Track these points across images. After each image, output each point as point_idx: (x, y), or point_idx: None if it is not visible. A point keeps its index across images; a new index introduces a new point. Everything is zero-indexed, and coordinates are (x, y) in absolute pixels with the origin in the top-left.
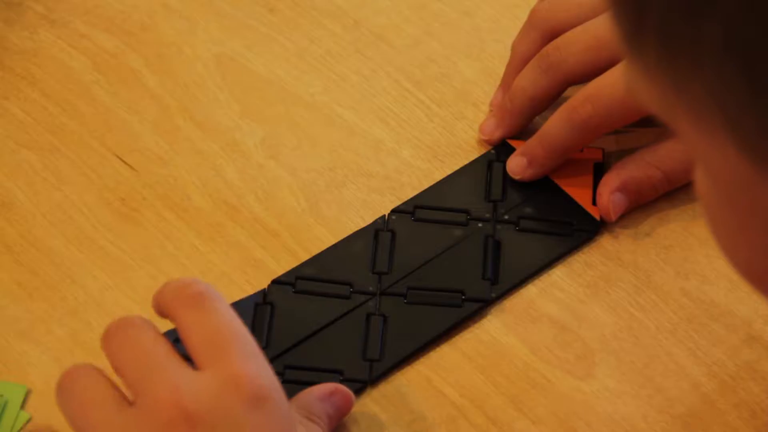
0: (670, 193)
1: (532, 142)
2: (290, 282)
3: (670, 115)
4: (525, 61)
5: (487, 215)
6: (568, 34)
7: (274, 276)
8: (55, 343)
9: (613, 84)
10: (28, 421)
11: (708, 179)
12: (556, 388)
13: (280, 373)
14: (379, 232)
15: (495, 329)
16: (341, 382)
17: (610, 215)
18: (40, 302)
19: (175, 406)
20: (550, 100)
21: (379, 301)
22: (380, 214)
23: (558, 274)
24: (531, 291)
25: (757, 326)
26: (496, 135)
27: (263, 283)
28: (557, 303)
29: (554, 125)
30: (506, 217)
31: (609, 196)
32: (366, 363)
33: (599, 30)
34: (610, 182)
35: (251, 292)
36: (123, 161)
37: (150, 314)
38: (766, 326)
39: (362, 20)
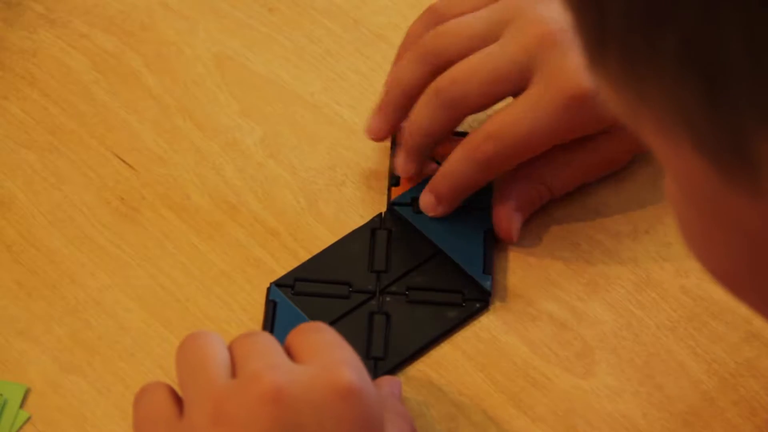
0: None
1: (437, 179)
2: (289, 284)
3: (635, 122)
4: (410, 94)
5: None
6: (463, 66)
7: (274, 275)
8: (54, 343)
9: (516, 121)
10: (28, 420)
11: (676, 186)
12: (556, 386)
13: None
14: (375, 230)
15: (495, 327)
16: None
17: (511, 238)
18: (40, 301)
19: (269, 382)
20: (449, 133)
21: (380, 299)
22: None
23: (557, 271)
24: (531, 289)
25: (757, 323)
26: (410, 170)
27: (263, 282)
28: (557, 301)
29: (456, 163)
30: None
31: (508, 219)
32: (370, 361)
33: (496, 62)
34: (507, 204)
35: (251, 291)
36: (122, 161)
37: (147, 315)
38: (766, 324)
39: (362, 20)
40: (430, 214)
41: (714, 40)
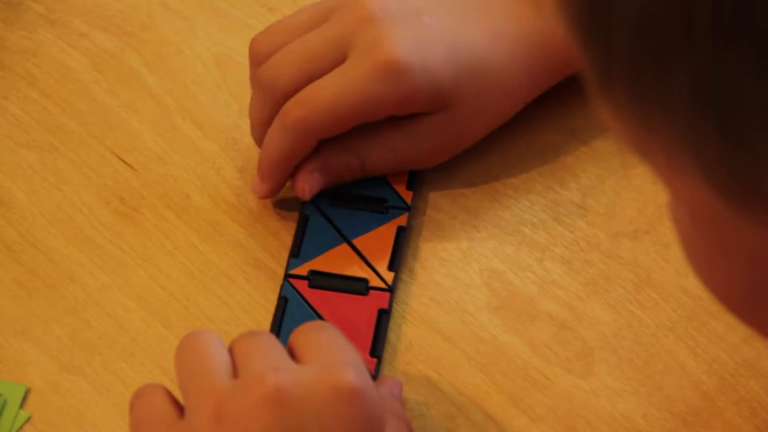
0: None
1: (260, 155)
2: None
3: (641, 152)
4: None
5: None
6: (280, 52)
7: (274, 275)
8: (54, 342)
9: (325, 86)
10: (28, 420)
11: (683, 211)
12: (556, 386)
13: None
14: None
15: (494, 327)
16: None
17: (304, 195)
18: (40, 301)
19: (272, 383)
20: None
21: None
22: None
23: (557, 272)
24: (530, 289)
25: None
26: (265, 189)
27: (263, 282)
28: (557, 301)
29: (270, 134)
30: None
31: (305, 176)
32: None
33: (311, 42)
34: (308, 163)
35: (251, 291)
36: (122, 160)
37: (147, 315)
38: None
39: None
40: (258, 195)
41: (725, 75)
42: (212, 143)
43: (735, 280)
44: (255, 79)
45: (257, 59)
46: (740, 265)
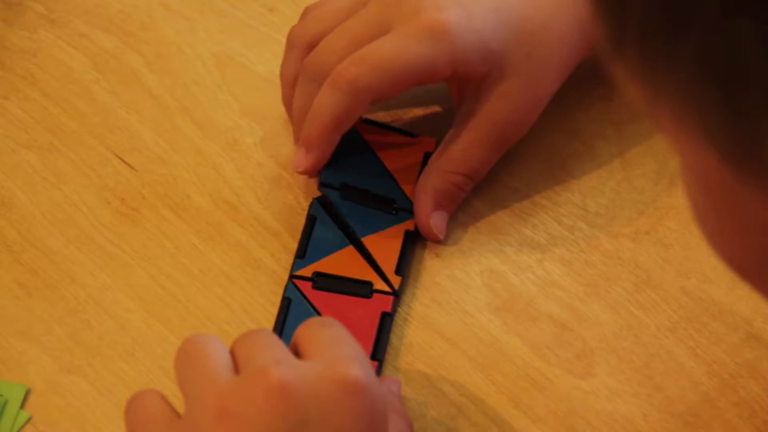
0: (670, 191)
1: (305, 125)
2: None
3: (652, 113)
4: (294, 84)
5: None
6: (327, 37)
7: (274, 275)
8: (54, 343)
9: (378, 46)
10: (28, 420)
11: (692, 176)
12: (556, 386)
13: None
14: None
15: (495, 328)
16: None
17: (437, 236)
18: (40, 301)
19: (276, 377)
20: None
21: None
22: None
23: (557, 272)
24: (531, 290)
25: (758, 325)
26: (310, 161)
27: (263, 283)
28: (557, 302)
29: (320, 99)
30: None
31: (428, 220)
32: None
33: (354, 24)
34: (424, 206)
35: (251, 291)
36: (123, 161)
37: (148, 315)
38: (766, 325)
39: None
40: (300, 169)
41: (731, 46)
42: (212, 143)
43: (748, 248)
44: (298, 68)
45: (298, 46)
46: (752, 233)
